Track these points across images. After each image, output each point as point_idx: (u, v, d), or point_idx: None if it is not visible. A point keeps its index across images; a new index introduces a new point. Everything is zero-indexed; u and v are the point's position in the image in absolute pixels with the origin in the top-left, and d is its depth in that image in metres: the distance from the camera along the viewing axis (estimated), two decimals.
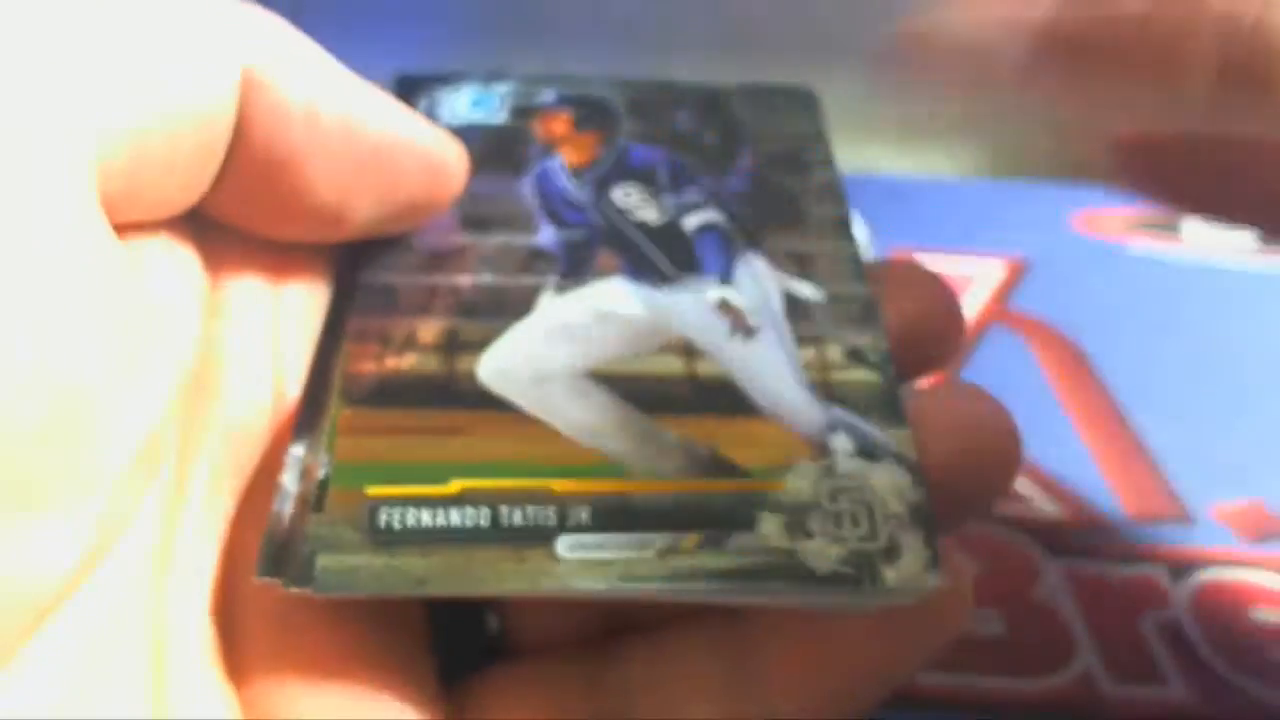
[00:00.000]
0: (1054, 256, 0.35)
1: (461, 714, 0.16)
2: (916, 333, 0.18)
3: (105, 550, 0.14)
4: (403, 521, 0.15)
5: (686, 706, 0.16)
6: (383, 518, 0.15)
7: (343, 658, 0.15)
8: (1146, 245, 0.35)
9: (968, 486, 0.16)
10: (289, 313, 0.17)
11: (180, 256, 0.16)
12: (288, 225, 0.17)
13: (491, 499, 0.15)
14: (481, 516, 0.15)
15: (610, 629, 0.17)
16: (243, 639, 0.15)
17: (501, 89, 0.21)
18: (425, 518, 0.15)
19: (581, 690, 0.16)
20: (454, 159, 0.18)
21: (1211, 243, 0.35)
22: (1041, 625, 0.25)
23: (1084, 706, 0.24)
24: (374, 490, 0.15)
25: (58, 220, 0.13)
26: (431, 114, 0.21)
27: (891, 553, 0.15)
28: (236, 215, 0.16)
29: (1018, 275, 0.34)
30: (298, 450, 0.16)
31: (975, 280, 0.34)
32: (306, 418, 0.16)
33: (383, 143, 0.16)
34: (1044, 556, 0.27)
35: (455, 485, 0.15)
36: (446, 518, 0.15)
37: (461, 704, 0.16)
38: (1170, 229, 0.36)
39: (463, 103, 0.21)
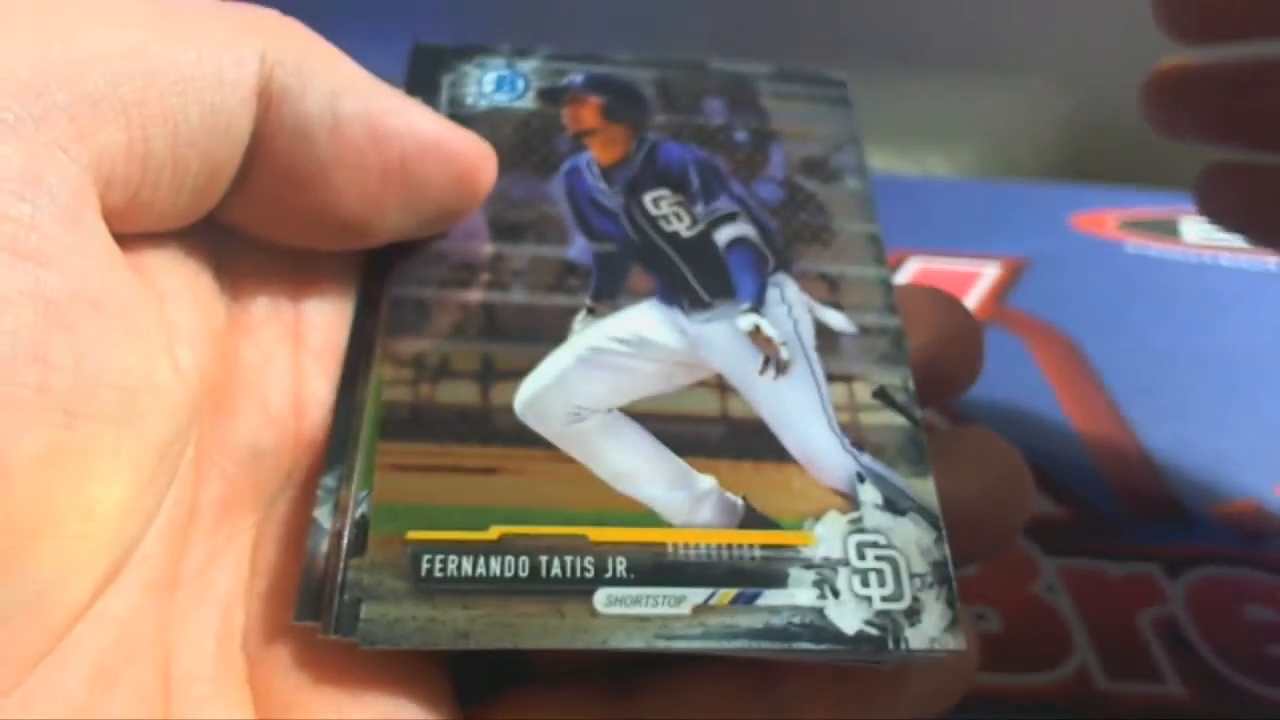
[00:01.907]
0: (1052, 256, 0.35)
1: None
2: (938, 363, 0.18)
3: (115, 573, 0.14)
4: (444, 569, 0.15)
5: None
6: (425, 565, 0.15)
7: (358, 679, 0.15)
8: (1144, 244, 0.35)
9: (984, 530, 0.17)
10: (310, 324, 0.17)
11: (192, 268, 0.16)
12: (313, 235, 0.16)
13: (531, 548, 0.15)
14: (521, 566, 0.15)
15: (633, 658, 0.17)
16: (255, 660, 0.15)
17: (527, 67, 0.21)
18: (467, 566, 0.15)
19: (597, 709, 0.16)
20: (483, 162, 0.17)
21: (1208, 242, 0.35)
22: (1039, 622, 0.25)
23: (1081, 702, 0.24)
24: (415, 535, 0.15)
25: (56, 238, 0.12)
26: (455, 93, 0.20)
27: (914, 614, 0.15)
28: (260, 226, 0.16)
29: (1016, 275, 0.34)
30: (330, 481, 0.16)
31: (974, 280, 0.34)
32: (338, 445, 0.16)
33: (409, 150, 0.16)
34: (1041, 554, 0.27)
35: (495, 531, 0.15)
36: (487, 567, 0.15)
37: None
38: (1168, 229, 0.36)
39: (488, 82, 0.20)
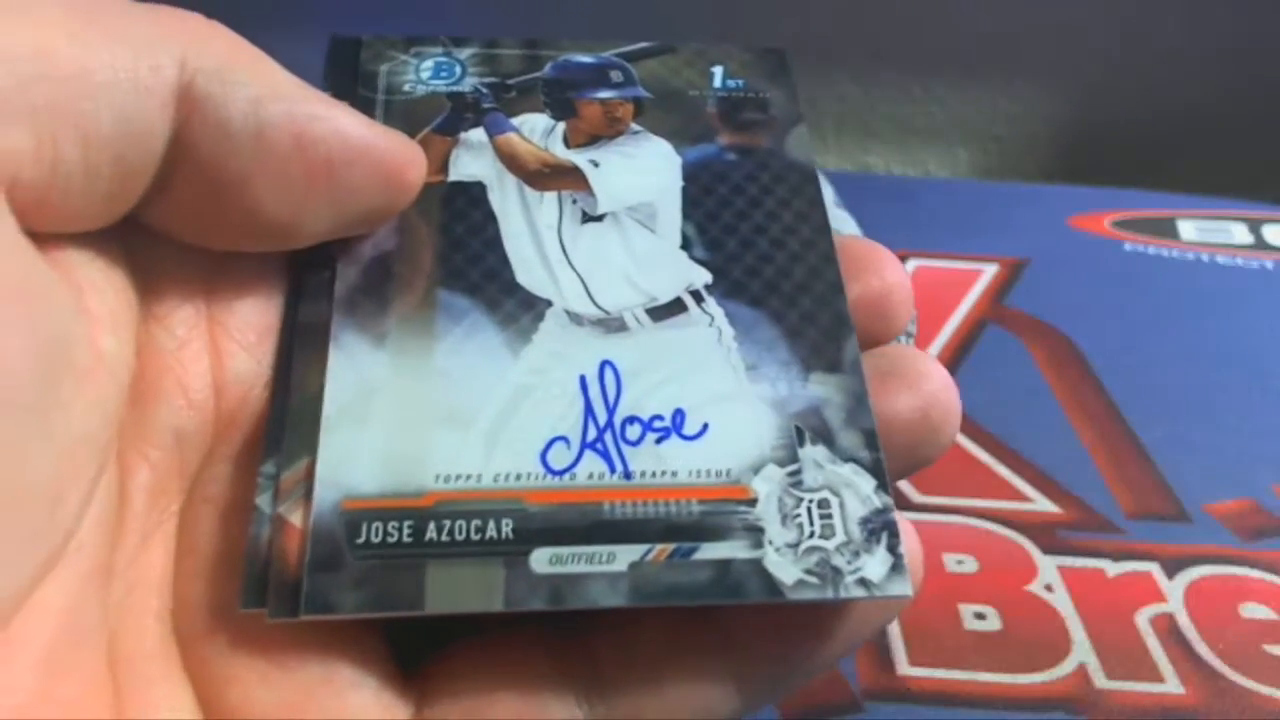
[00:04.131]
0: (1050, 256, 0.35)
1: (424, 690, 0.16)
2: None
3: (53, 562, 0.14)
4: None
5: (656, 666, 0.16)
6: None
7: (290, 652, 0.15)
8: (1142, 244, 0.35)
9: (917, 450, 0.17)
10: (228, 307, 0.17)
11: (110, 262, 0.16)
12: (238, 239, 0.16)
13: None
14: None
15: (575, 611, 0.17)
16: (189, 639, 0.15)
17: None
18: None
19: (545, 656, 0.16)
20: (412, 164, 0.17)
21: (1206, 241, 0.36)
22: (1038, 621, 0.25)
23: (1080, 701, 0.24)
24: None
25: None
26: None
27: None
28: (183, 228, 0.16)
29: (1015, 275, 0.34)
30: (269, 468, 0.16)
31: (973, 280, 0.34)
32: (276, 432, 0.16)
33: (336, 155, 0.16)
34: (1040, 553, 0.27)
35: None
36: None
37: (424, 681, 0.16)
38: (1165, 228, 0.36)
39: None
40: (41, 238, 0.14)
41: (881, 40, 0.33)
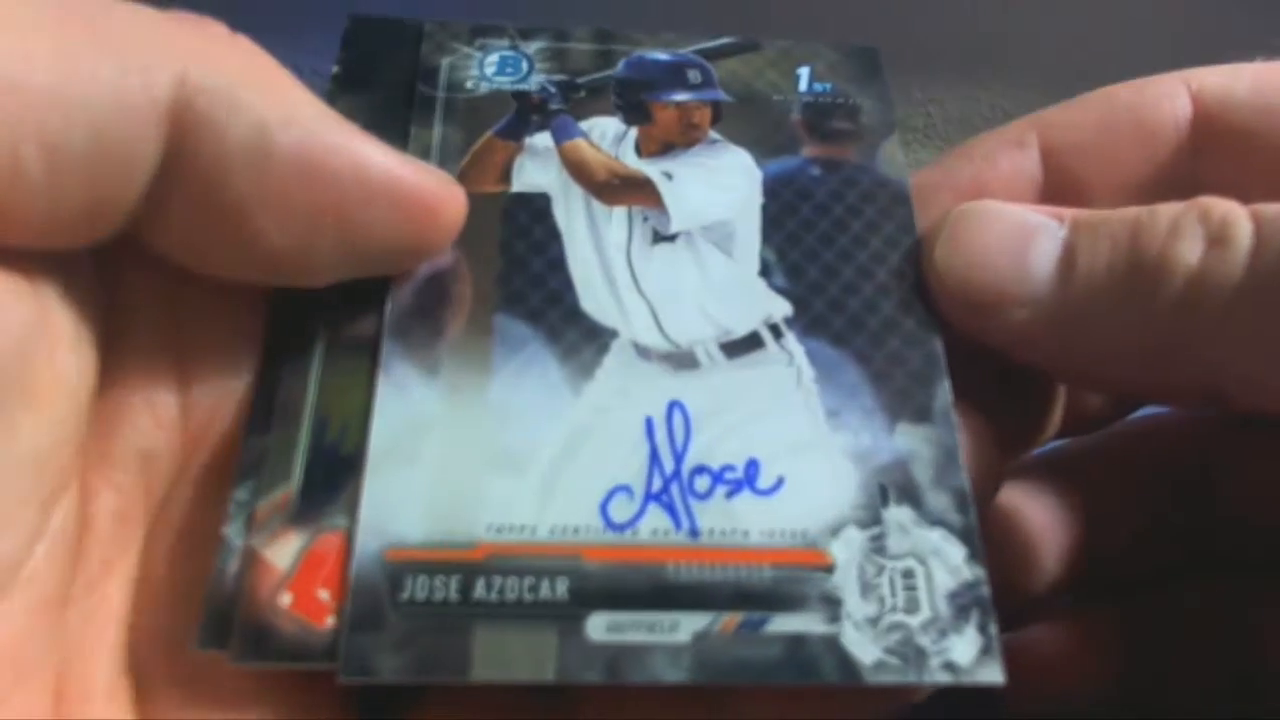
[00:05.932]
0: None
1: None
2: None
3: (8, 582, 0.13)
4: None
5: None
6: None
7: (251, 687, 0.14)
8: None
9: None
10: (199, 329, 0.16)
11: (77, 281, 0.14)
12: (242, 270, 0.15)
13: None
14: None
15: None
16: (142, 675, 0.14)
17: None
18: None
19: (532, 705, 0.15)
20: (445, 203, 0.15)
21: None
22: None
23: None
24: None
25: None
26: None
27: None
28: (183, 255, 0.15)
29: None
30: (243, 494, 0.14)
31: None
32: (254, 456, 0.15)
33: (348, 192, 0.14)
34: None
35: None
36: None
37: None
38: None
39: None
40: (8, 252, 0.13)
41: (881, 40, 0.33)
